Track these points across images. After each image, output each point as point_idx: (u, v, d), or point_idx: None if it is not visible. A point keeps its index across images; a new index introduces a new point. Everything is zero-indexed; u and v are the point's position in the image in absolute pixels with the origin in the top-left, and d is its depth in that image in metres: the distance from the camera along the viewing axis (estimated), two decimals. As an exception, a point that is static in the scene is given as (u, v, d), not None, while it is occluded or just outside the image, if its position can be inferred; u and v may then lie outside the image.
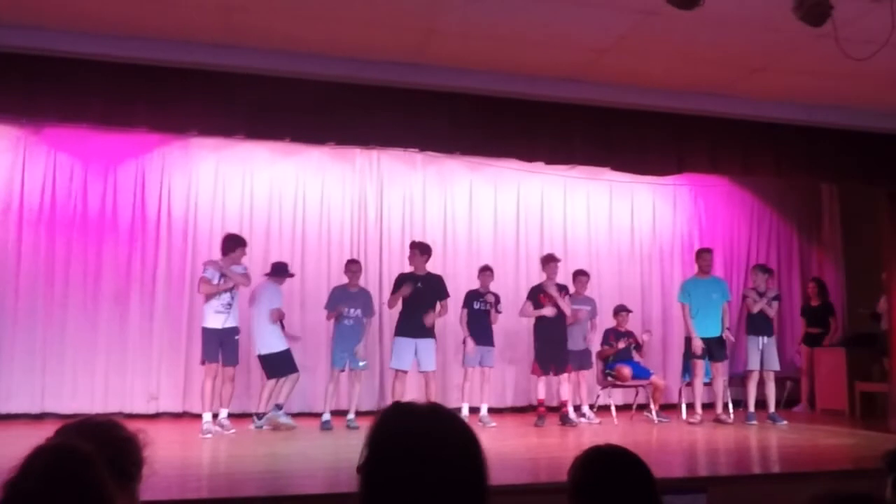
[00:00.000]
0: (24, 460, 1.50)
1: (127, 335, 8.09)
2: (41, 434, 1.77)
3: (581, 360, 8.19)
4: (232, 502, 4.29)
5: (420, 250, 7.81)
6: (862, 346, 8.73)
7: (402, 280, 7.77)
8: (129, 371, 8.04)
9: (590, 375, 8.44)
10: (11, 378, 7.67)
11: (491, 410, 8.03)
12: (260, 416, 7.44)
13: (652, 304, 9.77)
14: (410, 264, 7.85)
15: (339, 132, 6.46)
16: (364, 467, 1.40)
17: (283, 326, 7.69)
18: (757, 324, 8.26)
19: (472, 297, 8.03)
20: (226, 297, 7.18)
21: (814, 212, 10.31)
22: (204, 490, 4.70)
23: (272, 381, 7.53)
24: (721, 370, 8.24)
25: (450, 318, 8.40)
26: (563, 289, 8.05)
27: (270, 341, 7.52)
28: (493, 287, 8.19)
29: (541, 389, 7.96)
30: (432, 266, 8.32)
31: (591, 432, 7.48)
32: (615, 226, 9.83)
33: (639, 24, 5.29)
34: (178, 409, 8.11)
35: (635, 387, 8.50)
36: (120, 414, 7.70)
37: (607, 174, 8.73)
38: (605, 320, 8.68)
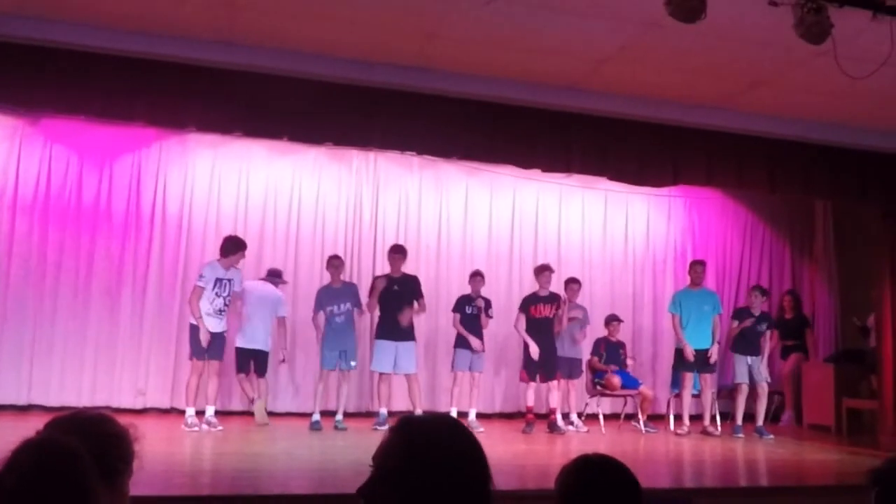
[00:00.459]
0: (11, 454, 1.49)
1: (117, 329, 8.05)
2: (27, 426, 1.77)
3: (571, 368, 8.20)
4: (216, 500, 4.28)
5: (402, 254, 7.82)
6: (850, 363, 8.76)
7: (377, 281, 7.79)
8: (118, 365, 8.00)
9: (579, 384, 8.45)
10: (-1, 369, 7.64)
11: (479, 416, 8.03)
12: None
13: (643, 314, 9.79)
14: (392, 268, 7.82)
15: (336, 133, 6.47)
16: (371, 486, 1.44)
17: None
18: (744, 344, 8.31)
19: (463, 301, 8.05)
20: (219, 302, 7.18)
21: (807, 227, 10.35)
22: (188, 487, 4.69)
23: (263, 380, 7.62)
24: (710, 382, 8.26)
25: (440, 322, 8.40)
26: (556, 298, 8.06)
27: (269, 339, 7.64)
28: (486, 292, 8.19)
29: (529, 396, 7.97)
30: (426, 269, 8.34)
31: (579, 440, 7.48)
32: (609, 235, 9.84)
33: (640, 35, 5.32)
34: (165, 405, 8.08)
35: (624, 396, 8.52)
36: (107, 408, 7.66)
37: (603, 183, 8.75)
38: (597, 329, 8.69)
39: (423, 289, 7.92)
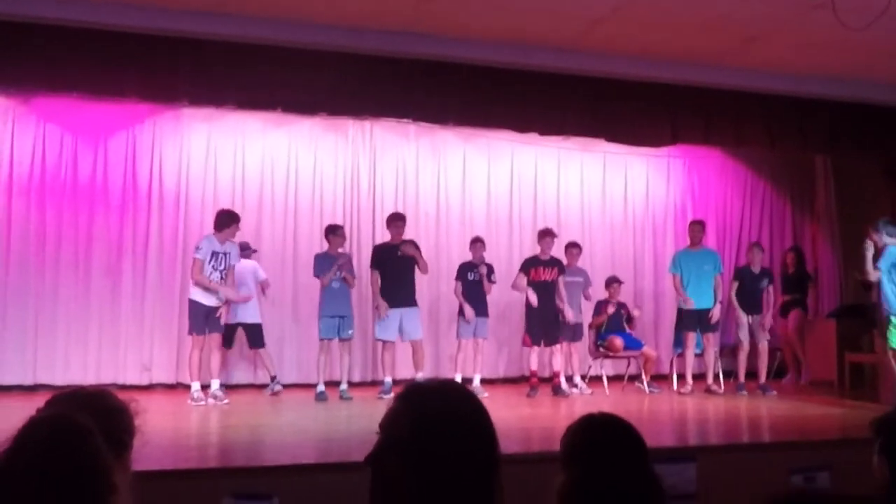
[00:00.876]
0: (20, 431, 1.49)
1: (119, 306, 8.07)
2: (35, 406, 1.77)
3: (573, 332, 8.22)
4: (225, 472, 4.31)
5: (403, 220, 7.81)
6: (852, 318, 8.78)
7: (380, 252, 7.77)
8: (122, 342, 8.03)
9: (581, 346, 8.48)
10: (4, 350, 7.65)
11: (483, 381, 8.07)
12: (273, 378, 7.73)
13: (644, 275, 9.80)
14: (394, 236, 7.80)
15: (331, 103, 6.42)
16: (378, 454, 1.45)
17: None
18: (744, 302, 8.33)
19: (465, 268, 8.04)
20: (215, 276, 7.18)
21: (807, 184, 10.31)
22: (196, 460, 4.72)
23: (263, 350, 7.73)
24: (712, 341, 8.29)
25: (442, 289, 8.40)
26: (556, 263, 8.06)
27: (256, 312, 7.78)
28: (486, 258, 8.18)
29: (533, 360, 8.00)
30: (426, 236, 8.32)
31: (583, 403, 7.53)
32: (608, 197, 9.81)
33: (634, -7, 5.25)
34: (171, 380, 8.13)
35: (627, 358, 8.55)
36: (113, 385, 7.70)
37: (601, 145, 8.70)
38: (598, 292, 8.70)
39: (425, 256, 7.90)
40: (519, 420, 6.49)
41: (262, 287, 8.01)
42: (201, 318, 7.12)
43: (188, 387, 7.22)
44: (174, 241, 8.28)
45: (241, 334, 7.84)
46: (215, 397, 7.06)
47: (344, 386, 7.56)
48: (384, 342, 7.69)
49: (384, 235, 8.62)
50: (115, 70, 5.70)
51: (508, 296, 8.57)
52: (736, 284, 8.44)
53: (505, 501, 1.51)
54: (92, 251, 8.04)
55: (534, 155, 9.47)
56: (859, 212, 8.89)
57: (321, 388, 7.48)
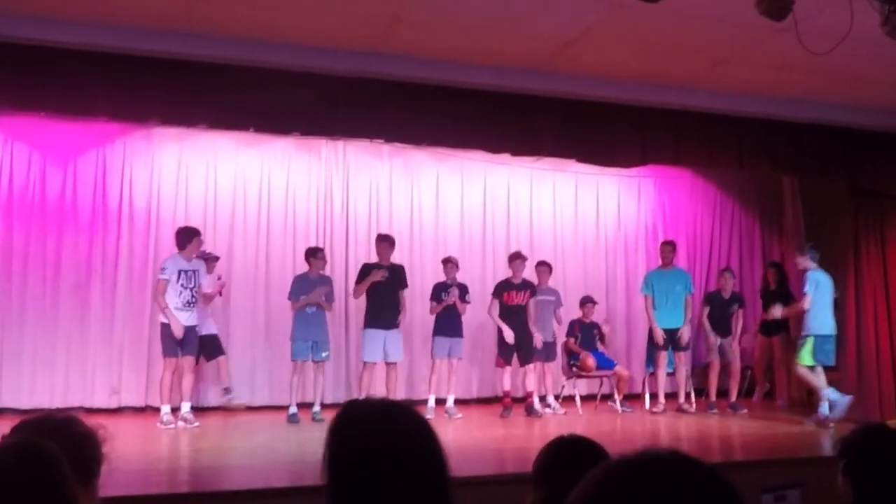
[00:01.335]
0: (-13, 458, 1.46)
1: (88, 328, 7.94)
2: (1, 430, 1.74)
3: (547, 352, 8.24)
4: (196, 497, 4.25)
5: (390, 242, 7.86)
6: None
7: (367, 269, 7.77)
8: (90, 365, 7.90)
9: (555, 366, 8.50)
10: (-32, 372, 7.50)
11: (457, 402, 8.05)
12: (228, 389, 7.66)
13: (616, 295, 9.86)
14: (380, 257, 7.83)
15: (303, 122, 6.41)
16: (324, 466, 1.45)
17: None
18: (715, 325, 8.43)
19: (439, 288, 8.04)
20: (186, 294, 7.09)
21: (776, 204, 10.45)
22: (166, 485, 4.65)
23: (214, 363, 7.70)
24: (684, 360, 8.36)
25: (417, 310, 8.38)
26: (528, 286, 8.09)
27: (208, 323, 7.65)
28: (459, 278, 8.19)
29: (506, 381, 8.00)
30: (399, 256, 8.31)
31: (557, 422, 7.54)
32: (581, 217, 9.89)
33: (605, 16, 5.32)
34: (140, 403, 8.00)
35: (599, 377, 8.59)
36: (81, 408, 7.57)
37: (573, 166, 8.79)
38: (571, 311, 8.74)
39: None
40: (493, 441, 6.48)
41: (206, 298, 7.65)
42: (174, 342, 7.03)
43: (158, 409, 7.12)
44: (144, 261, 8.19)
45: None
46: (185, 420, 6.96)
47: (317, 408, 7.49)
48: (366, 363, 7.65)
49: (357, 254, 8.62)
50: (85, 89, 5.65)
51: (482, 316, 8.58)
52: (707, 309, 8.53)
53: None
54: (60, 271, 7.92)
55: (506, 175, 9.52)
56: (826, 231, 9.04)
57: (293, 409, 7.40)
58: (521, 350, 7.93)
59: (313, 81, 5.96)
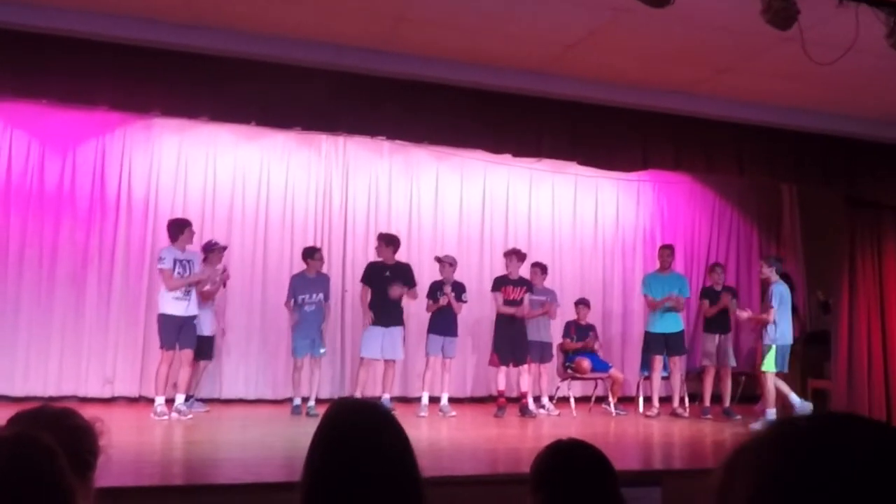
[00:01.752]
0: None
1: (83, 317, 7.93)
2: (-6, 419, 1.73)
3: (542, 352, 8.25)
4: (188, 489, 4.24)
5: (386, 241, 7.87)
6: (815, 344, 8.90)
7: (373, 269, 7.78)
8: (85, 354, 7.89)
9: (550, 367, 8.51)
10: (-38, 359, 7.48)
11: (451, 400, 8.05)
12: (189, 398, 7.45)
13: (613, 297, 9.87)
14: (378, 255, 7.84)
15: (304, 117, 6.40)
16: (307, 459, 1.52)
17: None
18: (714, 321, 8.42)
19: (434, 287, 8.05)
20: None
21: (774, 211, 10.48)
22: (158, 477, 4.65)
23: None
24: (679, 365, 8.37)
25: (412, 308, 8.38)
26: (525, 283, 8.10)
27: (206, 324, 7.56)
28: (456, 277, 8.20)
29: (500, 380, 8.01)
30: (397, 255, 8.31)
31: (551, 424, 7.54)
32: (579, 219, 9.90)
33: (609, 20, 5.32)
34: (134, 393, 7.99)
35: (594, 379, 8.59)
36: (74, 398, 7.57)
37: (573, 168, 8.78)
38: (567, 313, 8.74)
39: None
40: (486, 441, 6.48)
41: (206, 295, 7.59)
42: (173, 333, 7.03)
43: (151, 400, 7.11)
44: (141, 252, 8.17)
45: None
46: (179, 412, 6.95)
47: (312, 402, 7.51)
48: (363, 359, 7.68)
49: (355, 251, 8.62)
50: (86, 78, 5.63)
51: (478, 314, 8.58)
52: (706, 302, 8.54)
53: None
54: (57, 260, 7.90)
55: (506, 175, 9.52)
56: (823, 240, 9.06)
57: (297, 402, 7.52)
58: (516, 350, 7.93)
59: (316, 77, 5.95)
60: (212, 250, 7.58)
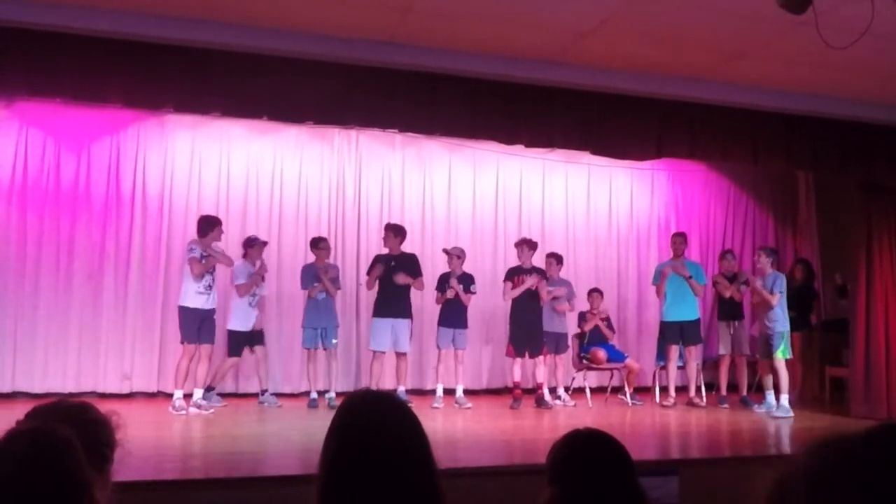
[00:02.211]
0: (0, 444, 1.46)
1: (100, 314, 7.99)
2: (13, 414, 1.74)
3: (557, 343, 8.24)
4: (206, 483, 4.27)
5: (394, 232, 7.87)
6: (833, 332, 8.83)
7: (377, 261, 7.82)
8: (103, 350, 7.95)
9: (566, 358, 8.50)
10: (-18, 356, 7.56)
11: (466, 392, 8.07)
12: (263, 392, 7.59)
13: (628, 287, 9.84)
14: (385, 245, 7.89)
15: (316, 112, 6.40)
16: (323, 451, 1.54)
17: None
18: (727, 309, 8.38)
19: (443, 279, 8.06)
20: (207, 278, 7.16)
21: (790, 199, 10.40)
22: (178, 471, 4.68)
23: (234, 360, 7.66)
24: (694, 354, 8.34)
25: (425, 300, 8.39)
26: (538, 272, 8.08)
27: (234, 319, 7.60)
28: (471, 269, 8.20)
29: (516, 372, 8.00)
30: (410, 246, 8.32)
31: (566, 414, 7.53)
32: (593, 209, 9.86)
33: (622, 7, 5.28)
34: (152, 388, 8.05)
35: (610, 370, 8.57)
36: (93, 393, 7.63)
37: (586, 157, 8.75)
38: (581, 303, 8.72)
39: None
40: (502, 432, 6.48)
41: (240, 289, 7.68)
42: (194, 327, 7.08)
43: (169, 395, 7.15)
44: (157, 248, 8.22)
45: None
46: (198, 406, 7.00)
47: (332, 394, 7.59)
48: (375, 352, 7.70)
49: (369, 244, 8.65)
50: (99, 76, 5.65)
51: (493, 305, 8.57)
52: (716, 291, 8.50)
53: None
54: (73, 258, 7.96)
55: (519, 166, 9.49)
56: (839, 226, 8.97)
57: (313, 395, 7.58)
58: (531, 341, 7.92)
59: (327, 70, 5.94)
60: (252, 245, 7.69)
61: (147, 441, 5.18)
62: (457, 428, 6.64)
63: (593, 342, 8.44)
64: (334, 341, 7.74)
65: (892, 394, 7.60)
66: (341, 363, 8.28)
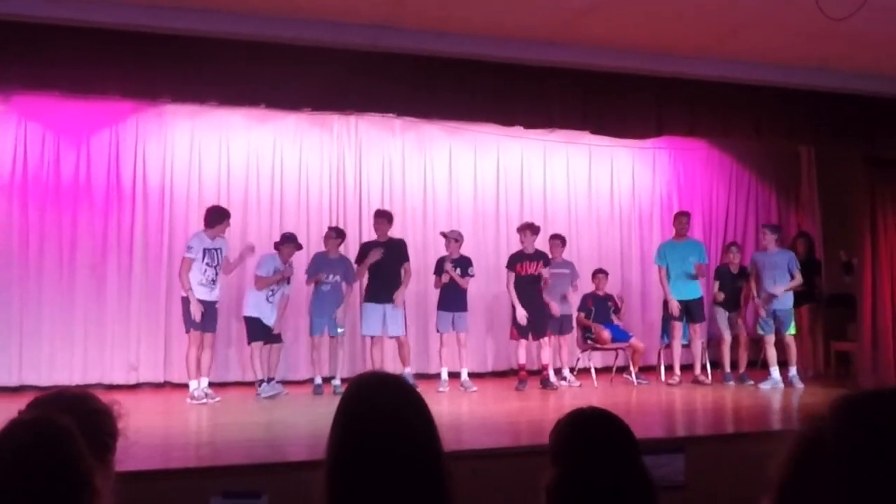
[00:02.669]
0: (1, 434, 1.47)
1: (104, 305, 8.01)
2: (20, 408, 1.75)
3: (562, 324, 8.24)
4: (212, 471, 4.29)
5: (388, 219, 7.87)
6: (837, 307, 8.82)
7: (366, 248, 7.81)
8: (108, 342, 7.97)
9: (570, 339, 8.50)
10: (-12, 350, 7.59)
11: (472, 375, 8.07)
12: (260, 382, 7.44)
13: (631, 267, 9.82)
14: (376, 232, 7.85)
15: (314, 98, 6.39)
16: (330, 434, 1.53)
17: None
18: (724, 300, 8.37)
19: (439, 263, 8.04)
20: (210, 273, 7.15)
21: (792, 175, 10.34)
22: (186, 459, 4.70)
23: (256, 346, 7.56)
24: (699, 332, 8.33)
25: (429, 284, 8.39)
26: (541, 256, 8.06)
27: (249, 307, 7.55)
28: (474, 253, 8.18)
29: (521, 354, 8.01)
30: (413, 231, 8.31)
31: (572, 395, 7.55)
32: (595, 189, 9.83)
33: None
34: (158, 379, 8.07)
35: (615, 349, 8.58)
36: (99, 385, 7.66)
37: (587, 138, 8.71)
38: (585, 284, 8.71)
39: (411, 251, 7.94)
40: (508, 414, 6.50)
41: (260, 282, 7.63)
42: (195, 317, 7.07)
43: (176, 386, 7.19)
44: (159, 238, 8.23)
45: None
46: (205, 394, 7.01)
47: (337, 381, 7.62)
48: (372, 338, 7.71)
49: (370, 230, 8.61)
50: (96, 67, 5.64)
51: (496, 288, 8.56)
52: (717, 283, 8.48)
53: (457, 491, 1.51)
54: (76, 250, 7.97)
55: (520, 148, 9.46)
56: (842, 201, 8.94)
57: (318, 380, 7.59)
58: (535, 323, 7.92)
59: (324, 56, 5.92)
60: (287, 242, 7.63)
61: (155, 430, 5.19)
62: (462, 410, 6.66)
63: (598, 321, 8.43)
64: (340, 330, 7.74)
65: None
66: (347, 351, 8.29)
